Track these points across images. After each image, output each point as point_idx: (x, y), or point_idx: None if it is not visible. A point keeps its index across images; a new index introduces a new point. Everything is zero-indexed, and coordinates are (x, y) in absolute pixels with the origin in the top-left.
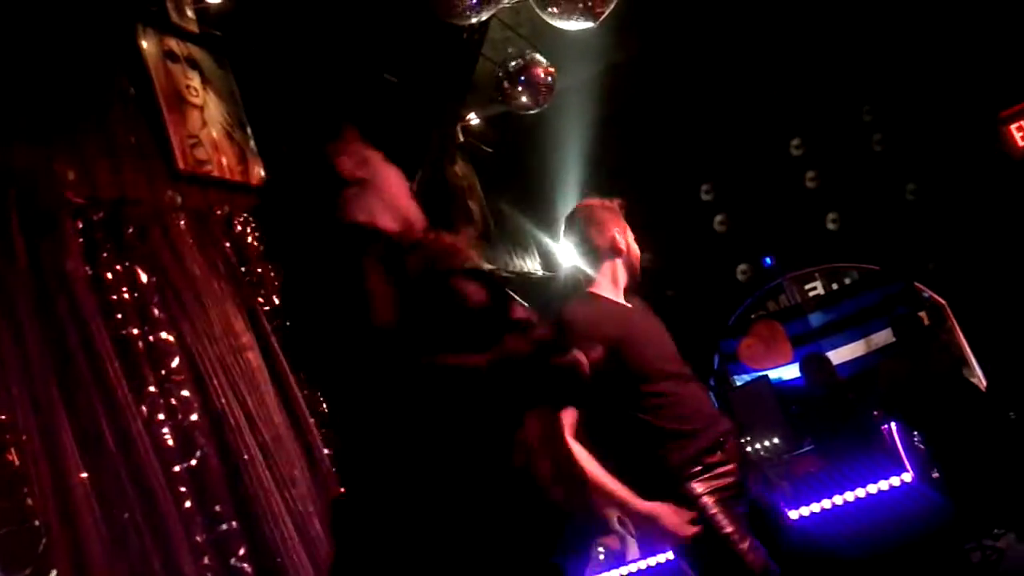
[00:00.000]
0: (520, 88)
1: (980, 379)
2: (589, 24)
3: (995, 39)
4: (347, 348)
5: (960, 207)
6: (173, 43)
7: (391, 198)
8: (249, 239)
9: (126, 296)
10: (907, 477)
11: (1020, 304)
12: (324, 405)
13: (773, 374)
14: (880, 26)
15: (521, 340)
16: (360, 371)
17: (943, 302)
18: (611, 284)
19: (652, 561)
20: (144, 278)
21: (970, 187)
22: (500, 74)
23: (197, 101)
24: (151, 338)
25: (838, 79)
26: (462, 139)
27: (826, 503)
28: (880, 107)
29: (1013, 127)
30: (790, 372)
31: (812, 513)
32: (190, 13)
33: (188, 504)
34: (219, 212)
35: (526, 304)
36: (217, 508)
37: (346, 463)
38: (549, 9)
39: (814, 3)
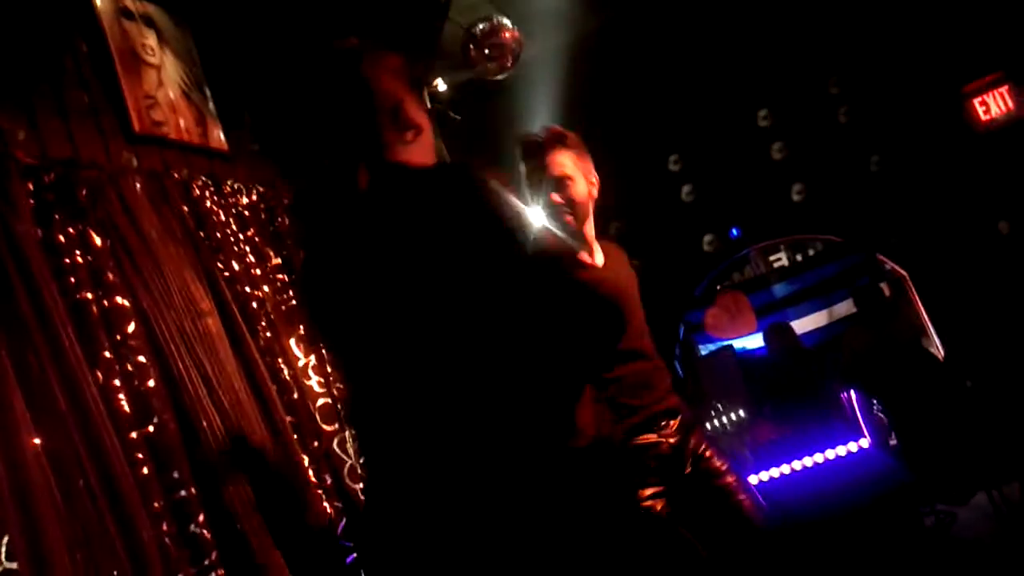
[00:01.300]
0: (486, 53)
1: (939, 349)
2: None
3: (959, 14)
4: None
5: (923, 180)
6: (129, 1)
7: (434, 154)
8: (208, 203)
9: (79, 260)
10: (864, 443)
11: (979, 276)
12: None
13: (738, 343)
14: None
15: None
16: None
17: (904, 274)
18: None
19: (765, 475)
20: (98, 241)
21: (933, 160)
22: (466, 38)
23: (154, 61)
24: (106, 303)
25: (805, 51)
26: (429, 105)
27: (785, 468)
28: (846, 80)
29: (976, 101)
30: (755, 342)
31: (772, 478)
32: None
33: (145, 470)
34: (176, 175)
35: None
36: (175, 474)
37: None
38: None
39: None
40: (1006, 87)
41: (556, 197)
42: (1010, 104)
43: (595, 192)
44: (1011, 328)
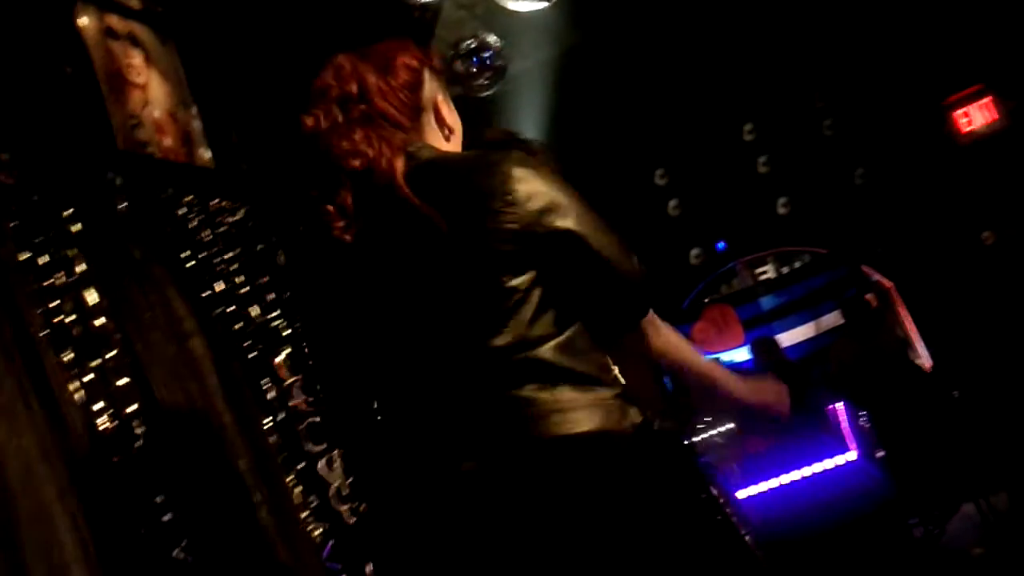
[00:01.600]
0: (472, 69)
1: (925, 360)
2: (542, 5)
3: (941, 27)
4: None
5: (907, 192)
6: (114, 20)
7: None
8: (194, 222)
9: (62, 281)
10: (852, 456)
11: (964, 287)
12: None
13: (726, 356)
14: (831, 14)
15: None
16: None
17: (890, 285)
18: None
19: (754, 490)
20: (83, 264)
21: (917, 172)
22: (452, 54)
23: (139, 80)
24: (88, 325)
25: (790, 65)
26: None
27: (773, 482)
28: (830, 93)
29: (958, 113)
30: (742, 355)
31: (760, 492)
32: None
33: (127, 496)
34: (161, 195)
35: None
36: (158, 500)
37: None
38: None
39: None
40: (988, 99)
41: None
42: (992, 115)
43: None
44: (997, 338)
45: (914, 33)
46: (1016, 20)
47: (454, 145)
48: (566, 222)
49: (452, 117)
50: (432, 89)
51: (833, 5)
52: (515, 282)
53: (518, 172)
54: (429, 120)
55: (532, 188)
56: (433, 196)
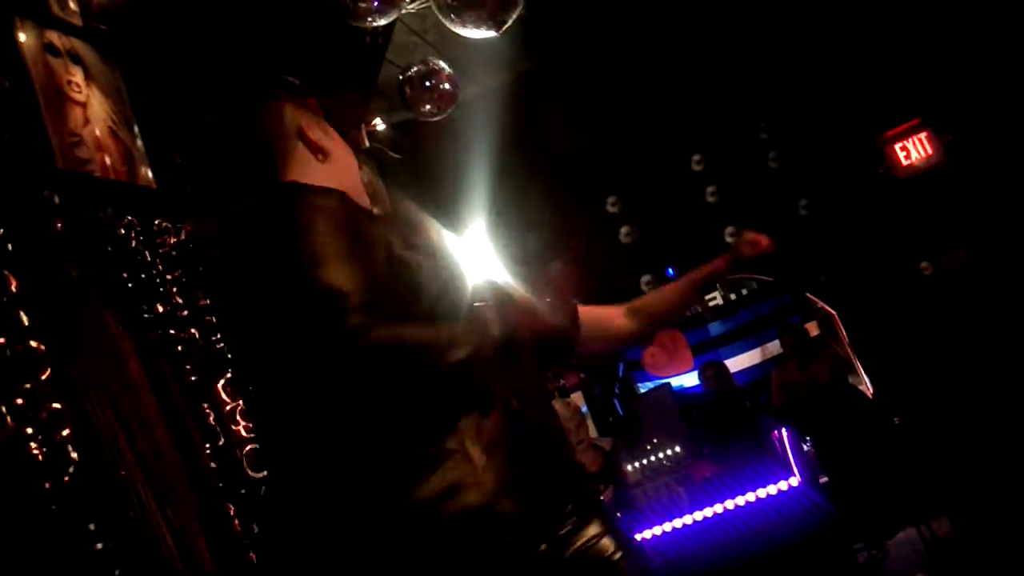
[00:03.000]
0: (422, 94)
1: (867, 387)
2: (492, 33)
3: (881, 65)
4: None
5: (849, 222)
6: (54, 36)
7: (352, 182)
8: (133, 243)
9: None
10: (795, 481)
11: (904, 315)
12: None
13: (675, 381)
14: (777, 50)
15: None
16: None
17: (833, 313)
18: None
19: (699, 515)
20: (13, 284)
21: (858, 204)
22: (403, 80)
23: (80, 98)
24: (19, 347)
25: (737, 99)
26: (368, 144)
27: (718, 507)
28: (776, 126)
29: (897, 147)
30: (691, 380)
31: (705, 518)
32: (73, 6)
33: (59, 523)
34: (101, 214)
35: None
36: (91, 527)
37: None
38: (451, 16)
39: (715, 27)
40: (924, 133)
41: None
42: (929, 150)
43: None
44: (935, 365)
45: (855, 69)
46: (952, 58)
47: (333, 166)
48: None
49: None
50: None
51: (779, 42)
52: None
53: None
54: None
55: None
56: None
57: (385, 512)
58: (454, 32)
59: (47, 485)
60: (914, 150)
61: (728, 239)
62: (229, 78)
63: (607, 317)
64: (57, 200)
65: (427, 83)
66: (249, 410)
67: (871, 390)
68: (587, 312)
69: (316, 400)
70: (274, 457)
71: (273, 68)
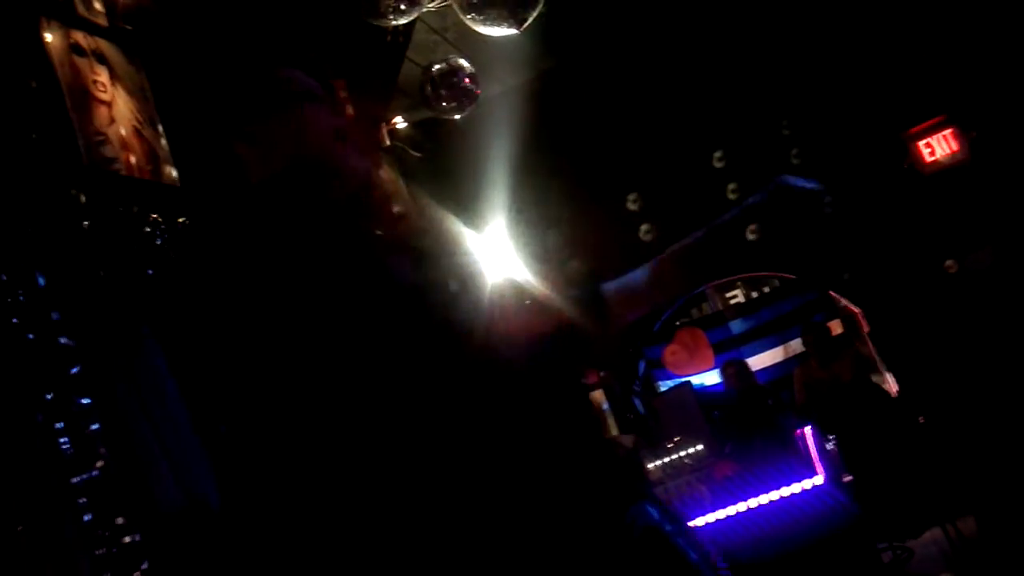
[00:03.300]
0: (444, 93)
1: (892, 385)
2: (512, 31)
3: (905, 60)
4: None
5: (873, 220)
6: (80, 36)
7: None
8: (157, 240)
9: (22, 299)
10: (819, 480)
11: (929, 313)
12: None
13: (696, 380)
14: (799, 44)
15: None
16: None
17: (857, 311)
18: None
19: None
20: (42, 280)
21: (882, 201)
22: (424, 78)
23: (105, 97)
24: (49, 343)
25: (759, 94)
26: (388, 143)
27: (741, 506)
28: (798, 122)
29: (921, 143)
30: (712, 378)
31: (728, 516)
32: (98, 6)
33: (88, 516)
34: (126, 212)
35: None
36: (119, 521)
37: None
38: (472, 14)
39: (738, 21)
40: (950, 130)
41: None
42: (954, 146)
43: None
44: (960, 363)
45: (879, 64)
46: (977, 53)
47: None
48: None
49: None
50: None
51: (801, 37)
52: None
53: None
54: None
55: None
56: None
57: None
58: (475, 30)
59: (76, 479)
60: (939, 147)
61: (749, 236)
62: (258, 77)
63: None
64: (83, 199)
65: (448, 81)
66: None
67: (895, 389)
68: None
69: None
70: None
71: (296, 67)
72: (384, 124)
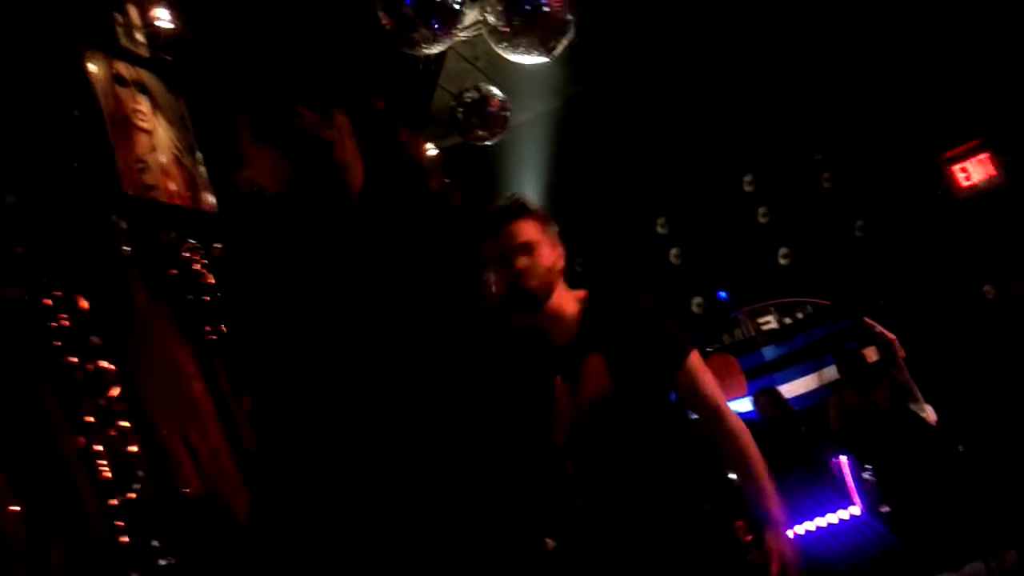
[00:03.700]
0: (475, 120)
1: (930, 414)
2: (543, 59)
3: (939, 84)
4: None
5: (908, 245)
6: (122, 67)
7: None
8: (196, 266)
9: (65, 323)
10: (856, 510)
11: (966, 340)
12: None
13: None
14: (831, 68)
15: None
16: None
17: (893, 337)
18: None
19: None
20: (84, 304)
21: (917, 225)
22: (455, 105)
23: (146, 126)
24: (89, 366)
25: (789, 118)
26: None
27: None
28: (830, 146)
29: (956, 168)
30: (745, 405)
31: None
32: (140, 37)
33: (125, 538)
34: (165, 238)
35: None
36: (155, 543)
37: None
38: (503, 43)
39: (770, 45)
40: (986, 154)
41: (523, 261)
42: (990, 170)
43: (562, 263)
44: (999, 391)
45: (913, 88)
46: (1013, 77)
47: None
48: None
49: None
50: None
51: (833, 59)
52: None
53: None
54: None
55: None
56: None
57: None
58: (505, 58)
59: (114, 502)
60: (974, 171)
61: (782, 260)
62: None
63: None
64: (124, 225)
65: (479, 109)
66: None
67: (934, 417)
68: None
69: None
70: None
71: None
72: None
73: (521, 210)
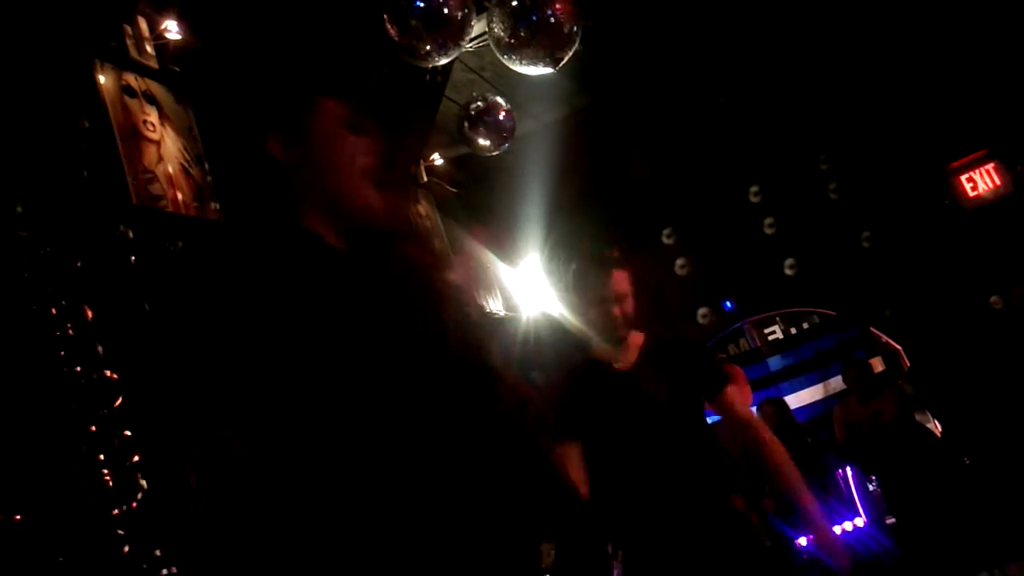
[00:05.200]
0: (481, 130)
1: (936, 425)
2: (549, 70)
3: (946, 94)
4: None
5: (914, 255)
6: (131, 78)
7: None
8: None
9: (70, 332)
10: (860, 522)
11: (974, 351)
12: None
13: None
14: (837, 77)
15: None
16: None
17: (899, 347)
18: None
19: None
20: (90, 314)
21: (924, 236)
22: (462, 116)
23: (154, 136)
24: (94, 376)
25: (795, 128)
26: (426, 179)
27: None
28: (836, 156)
29: (963, 178)
30: None
31: None
32: (149, 49)
33: (126, 548)
34: (172, 248)
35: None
36: (157, 553)
37: None
38: (508, 54)
39: (777, 56)
40: (992, 164)
41: (618, 311)
42: (997, 181)
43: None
44: (1006, 403)
45: (919, 98)
46: (1020, 87)
47: None
48: None
49: None
50: None
51: (840, 69)
52: None
53: None
54: None
55: None
56: None
57: None
58: (512, 69)
59: (117, 511)
60: (981, 181)
61: (788, 271)
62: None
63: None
64: (131, 235)
65: (485, 119)
66: None
67: (940, 428)
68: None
69: None
70: None
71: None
72: (423, 161)
73: (621, 262)
